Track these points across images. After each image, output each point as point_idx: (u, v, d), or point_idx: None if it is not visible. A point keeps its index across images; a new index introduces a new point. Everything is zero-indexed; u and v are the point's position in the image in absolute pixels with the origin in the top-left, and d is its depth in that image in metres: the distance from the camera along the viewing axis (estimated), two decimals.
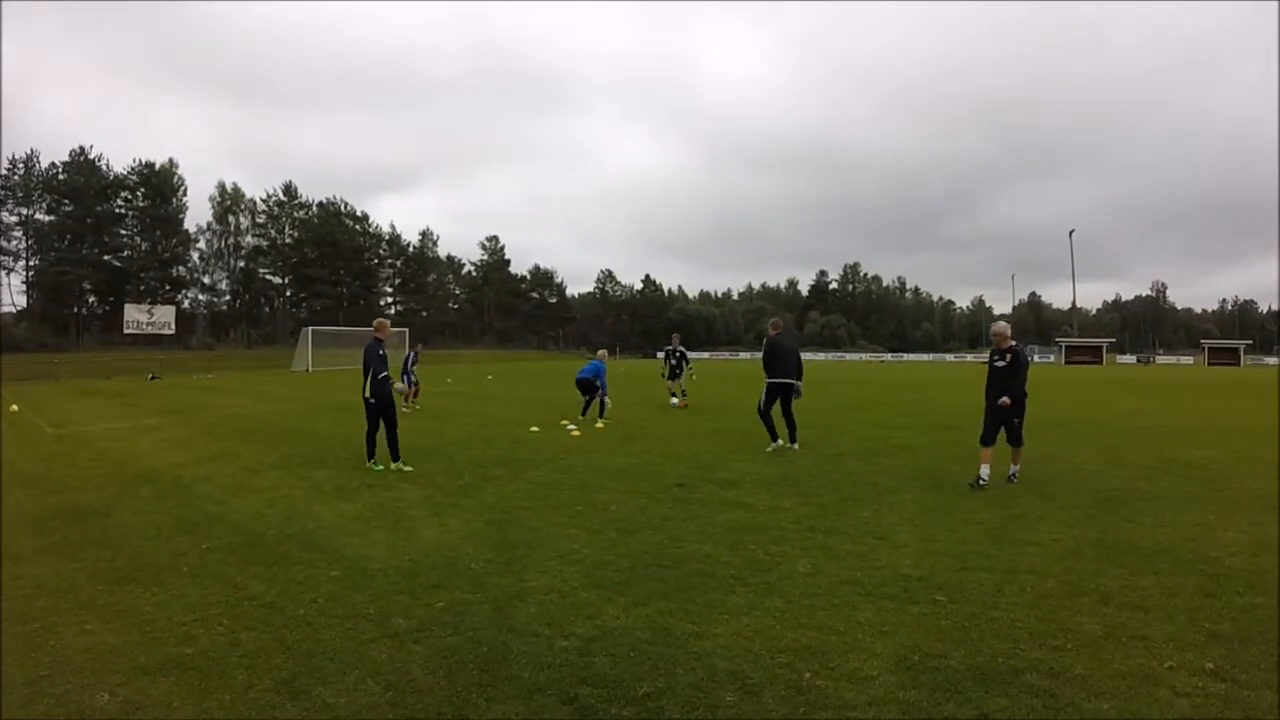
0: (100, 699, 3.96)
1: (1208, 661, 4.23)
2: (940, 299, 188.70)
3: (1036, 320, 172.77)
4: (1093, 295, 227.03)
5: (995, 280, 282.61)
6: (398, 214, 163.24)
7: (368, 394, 10.69)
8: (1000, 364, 9.62)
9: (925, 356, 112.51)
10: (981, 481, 9.18)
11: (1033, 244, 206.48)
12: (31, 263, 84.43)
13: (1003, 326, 9.85)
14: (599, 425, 15.82)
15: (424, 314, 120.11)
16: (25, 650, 4.59)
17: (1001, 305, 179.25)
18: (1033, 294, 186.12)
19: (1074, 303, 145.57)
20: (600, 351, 18.20)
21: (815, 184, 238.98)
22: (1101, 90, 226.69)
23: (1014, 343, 9.71)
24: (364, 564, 6.25)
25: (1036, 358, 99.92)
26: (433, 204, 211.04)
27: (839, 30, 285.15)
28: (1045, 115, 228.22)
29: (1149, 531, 7.14)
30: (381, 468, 10.72)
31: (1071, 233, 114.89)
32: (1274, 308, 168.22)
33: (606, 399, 16.91)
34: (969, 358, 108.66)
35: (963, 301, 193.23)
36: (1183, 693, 3.89)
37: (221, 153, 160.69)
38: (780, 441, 12.22)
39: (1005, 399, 9.40)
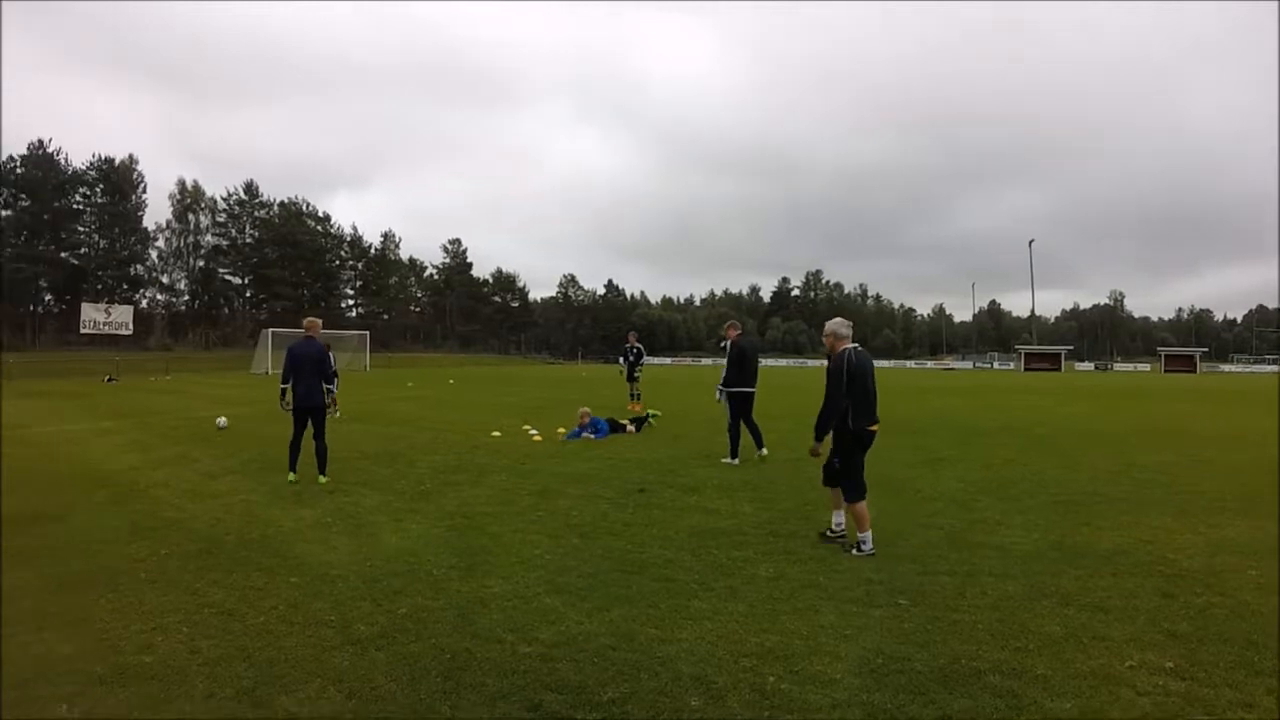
0: (57, 710, 3.88)
1: (1167, 660, 4.31)
2: (901, 306, 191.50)
3: (996, 328, 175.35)
4: (1052, 304, 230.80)
5: (956, 288, 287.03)
6: (353, 212, 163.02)
7: (314, 399, 9.98)
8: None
9: (886, 363, 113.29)
10: (830, 532, 7.15)
11: (992, 252, 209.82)
12: None
13: (833, 324, 7.25)
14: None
15: (385, 317, 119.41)
16: None
17: (962, 313, 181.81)
18: (993, 302, 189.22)
19: (1033, 311, 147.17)
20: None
21: (771, 188, 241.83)
22: (1059, 100, 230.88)
23: (852, 345, 7.04)
24: (324, 570, 6.18)
25: (997, 365, 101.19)
26: (385, 203, 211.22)
27: (790, 32, 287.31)
28: (1000, 125, 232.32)
29: (1108, 534, 7.26)
30: (296, 478, 9.91)
31: (1031, 242, 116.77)
32: (1229, 316, 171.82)
33: None
34: (930, 364, 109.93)
35: (924, 309, 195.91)
36: (1144, 691, 3.96)
37: (177, 149, 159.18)
38: (738, 460, 11.74)
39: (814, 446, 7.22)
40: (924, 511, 8.26)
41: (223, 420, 17.38)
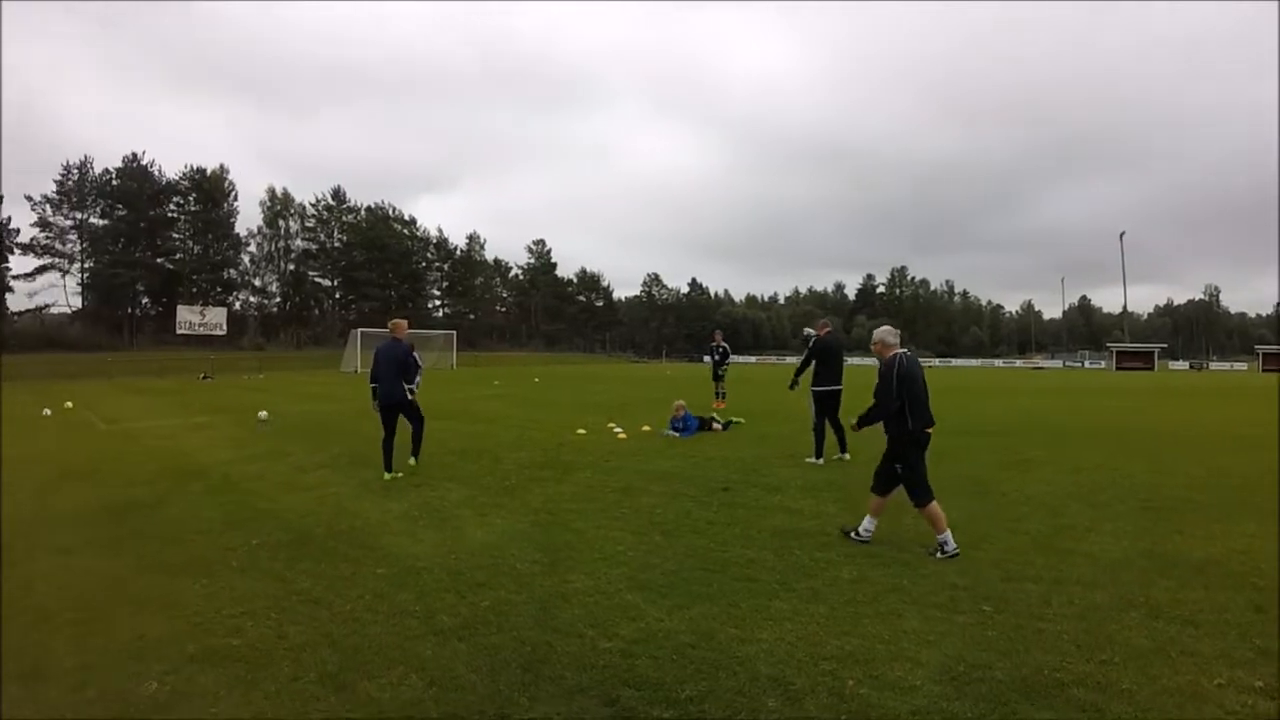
0: (148, 687, 4.07)
1: (1257, 679, 4.14)
2: (989, 303, 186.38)
3: (1087, 324, 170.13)
4: (1144, 299, 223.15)
5: (1044, 283, 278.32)
6: (438, 215, 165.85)
7: (395, 397, 10.25)
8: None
9: (974, 361, 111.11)
10: (855, 534, 7.07)
11: (1081, 246, 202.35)
12: (86, 265, 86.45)
13: (881, 332, 7.31)
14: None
15: (472, 317, 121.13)
16: (75, 638, 4.73)
17: (1051, 309, 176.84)
18: (1083, 298, 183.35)
19: (1125, 307, 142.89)
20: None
21: (853, 184, 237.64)
22: (1144, 87, 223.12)
23: (901, 350, 7.04)
24: (410, 562, 6.33)
25: (1088, 364, 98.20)
26: (469, 206, 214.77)
27: (869, 28, 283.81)
28: (1086, 112, 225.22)
29: (1200, 543, 6.99)
30: (400, 475, 10.17)
31: (1122, 235, 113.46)
32: None
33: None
34: (1018, 363, 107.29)
35: (1011, 305, 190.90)
36: (1231, 710, 3.82)
37: (267, 158, 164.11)
38: (822, 460, 11.55)
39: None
40: (1010, 515, 8.07)
41: (264, 414, 18.13)
